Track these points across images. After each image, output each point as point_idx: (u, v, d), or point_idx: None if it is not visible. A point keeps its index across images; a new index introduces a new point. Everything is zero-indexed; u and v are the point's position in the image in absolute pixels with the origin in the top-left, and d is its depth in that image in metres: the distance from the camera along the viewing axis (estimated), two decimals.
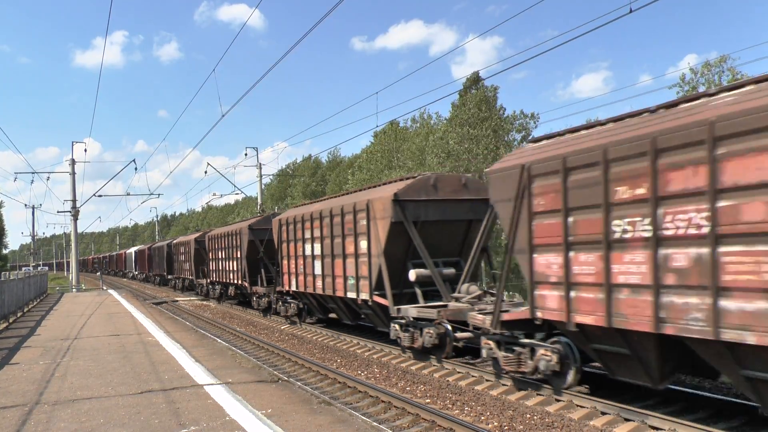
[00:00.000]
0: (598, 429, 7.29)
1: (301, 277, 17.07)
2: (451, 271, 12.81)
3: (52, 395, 8.54)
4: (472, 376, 10.29)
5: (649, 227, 6.74)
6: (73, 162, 38.34)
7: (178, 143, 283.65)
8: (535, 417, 7.84)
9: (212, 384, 9.00)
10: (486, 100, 40.36)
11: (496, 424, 7.67)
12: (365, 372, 11.32)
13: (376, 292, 13.08)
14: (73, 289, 39.74)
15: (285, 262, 18.32)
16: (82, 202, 39.90)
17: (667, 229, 6.58)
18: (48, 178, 54.07)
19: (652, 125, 6.93)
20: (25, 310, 24.00)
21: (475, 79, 40.13)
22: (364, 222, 13.25)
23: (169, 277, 41.95)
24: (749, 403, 7.64)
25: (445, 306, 11.56)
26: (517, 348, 9.15)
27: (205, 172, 41.35)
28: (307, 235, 16.41)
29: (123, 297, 30.67)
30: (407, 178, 13.22)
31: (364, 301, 13.69)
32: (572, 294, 7.76)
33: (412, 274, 12.45)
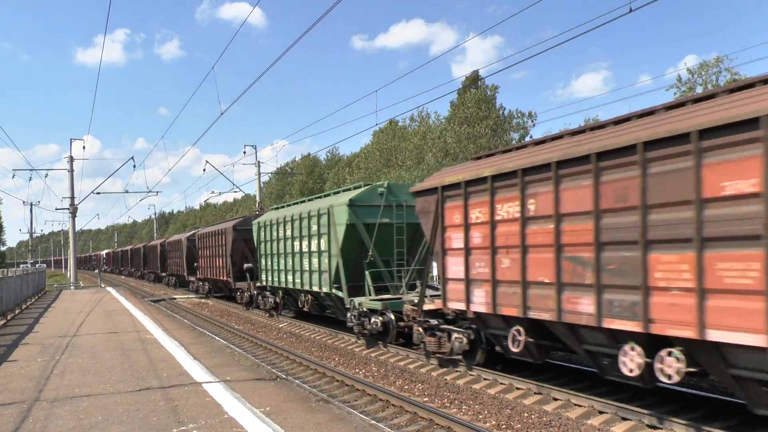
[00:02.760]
0: (595, 428, 7.31)
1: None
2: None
3: (51, 393, 8.55)
4: (470, 375, 10.32)
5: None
6: (71, 159, 38.28)
7: (177, 141, 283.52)
8: (533, 416, 7.87)
9: (211, 382, 9.02)
10: (486, 99, 40.30)
11: (493, 422, 7.69)
12: (363, 370, 11.34)
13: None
14: (71, 287, 39.70)
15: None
16: (80, 199, 39.88)
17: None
18: (46, 175, 53.64)
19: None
20: (23, 308, 23.99)
21: (474, 78, 40.11)
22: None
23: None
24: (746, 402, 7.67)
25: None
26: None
27: (204, 170, 41.38)
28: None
29: (121, 294, 30.65)
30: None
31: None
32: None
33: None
